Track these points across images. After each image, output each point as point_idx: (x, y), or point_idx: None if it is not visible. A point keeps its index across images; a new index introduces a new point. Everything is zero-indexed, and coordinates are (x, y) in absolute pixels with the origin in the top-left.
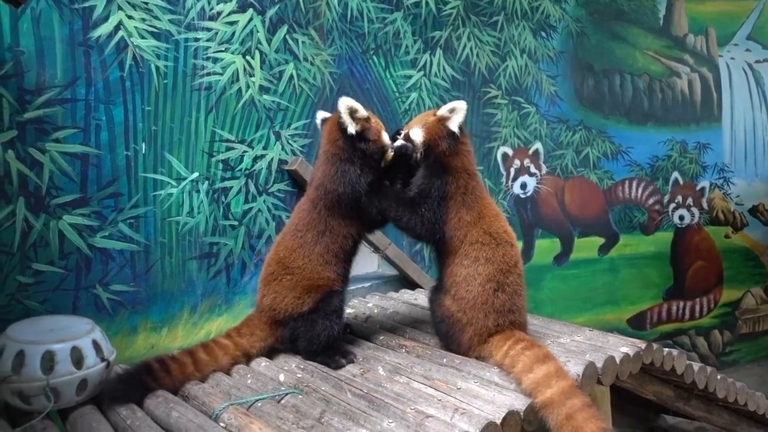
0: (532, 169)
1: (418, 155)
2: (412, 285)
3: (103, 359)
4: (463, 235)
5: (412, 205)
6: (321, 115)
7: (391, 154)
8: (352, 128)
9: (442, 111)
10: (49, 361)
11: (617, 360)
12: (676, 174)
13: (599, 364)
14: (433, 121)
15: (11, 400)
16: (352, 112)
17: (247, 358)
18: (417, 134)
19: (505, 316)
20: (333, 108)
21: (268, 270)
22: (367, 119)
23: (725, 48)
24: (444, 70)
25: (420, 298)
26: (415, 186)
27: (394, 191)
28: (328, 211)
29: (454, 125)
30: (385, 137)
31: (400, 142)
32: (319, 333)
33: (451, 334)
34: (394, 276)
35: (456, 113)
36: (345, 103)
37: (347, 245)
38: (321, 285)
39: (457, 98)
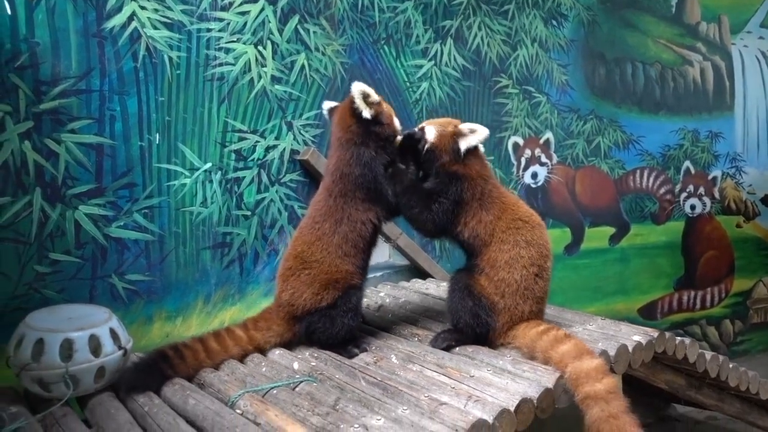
0: (543, 159)
1: (424, 149)
2: (423, 275)
3: (120, 347)
4: (491, 230)
5: (426, 200)
6: (327, 104)
7: (399, 138)
8: (366, 113)
9: (464, 126)
10: (67, 349)
11: (630, 348)
12: (687, 163)
13: (612, 353)
14: (450, 131)
15: (31, 387)
16: (365, 97)
17: (260, 352)
18: (431, 132)
19: (539, 303)
20: (345, 98)
21: (285, 265)
22: (379, 104)
23: (738, 36)
24: (455, 59)
25: (431, 287)
26: (431, 182)
27: (409, 178)
28: (344, 198)
29: (463, 144)
30: (397, 122)
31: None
32: (338, 331)
33: (480, 317)
34: (405, 266)
35: (473, 135)
36: (358, 88)
37: (366, 232)
38: (339, 279)
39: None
